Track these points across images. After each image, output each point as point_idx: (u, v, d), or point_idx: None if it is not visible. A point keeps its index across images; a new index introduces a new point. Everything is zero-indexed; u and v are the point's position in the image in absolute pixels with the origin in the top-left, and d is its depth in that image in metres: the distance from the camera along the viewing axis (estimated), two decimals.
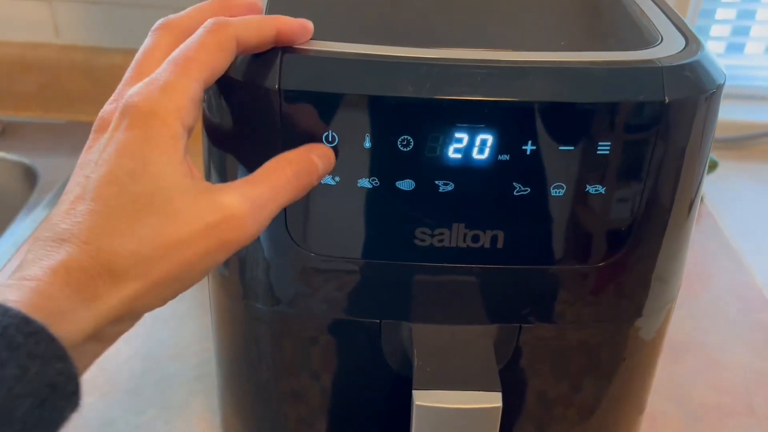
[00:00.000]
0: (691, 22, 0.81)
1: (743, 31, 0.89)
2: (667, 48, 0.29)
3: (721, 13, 0.86)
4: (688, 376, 0.52)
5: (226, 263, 0.33)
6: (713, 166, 0.72)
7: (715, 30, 0.88)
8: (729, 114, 0.82)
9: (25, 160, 0.73)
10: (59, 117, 0.81)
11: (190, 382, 0.49)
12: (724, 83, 0.29)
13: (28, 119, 0.80)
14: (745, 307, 0.59)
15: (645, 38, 0.30)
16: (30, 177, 0.72)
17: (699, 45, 0.30)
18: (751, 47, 0.89)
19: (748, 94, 0.87)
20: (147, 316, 0.57)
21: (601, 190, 0.29)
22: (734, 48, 0.89)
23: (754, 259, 0.64)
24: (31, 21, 0.79)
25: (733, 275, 0.62)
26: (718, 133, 0.84)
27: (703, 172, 0.31)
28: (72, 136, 0.78)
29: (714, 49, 0.88)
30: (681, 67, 0.28)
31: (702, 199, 0.71)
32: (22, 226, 0.64)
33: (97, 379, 0.49)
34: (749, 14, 0.86)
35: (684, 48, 0.29)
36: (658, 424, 0.48)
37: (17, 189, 0.72)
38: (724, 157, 0.77)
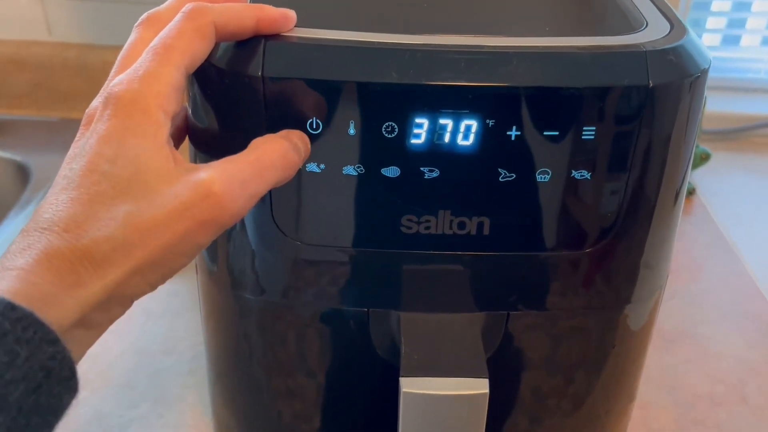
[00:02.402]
0: (684, 14, 0.81)
1: (739, 24, 0.89)
2: (652, 33, 0.29)
3: (716, 5, 0.86)
4: (681, 366, 0.52)
5: (214, 255, 0.33)
6: (706, 157, 0.72)
7: (711, 22, 0.88)
8: (722, 106, 0.82)
9: (17, 157, 0.73)
10: (52, 114, 0.81)
11: (184, 376, 0.49)
12: (708, 67, 0.29)
13: (21, 117, 0.80)
14: (737, 298, 0.59)
15: (630, 23, 0.30)
16: (23, 174, 0.72)
17: (684, 30, 0.30)
18: (747, 39, 0.89)
19: (743, 86, 0.87)
20: (140, 311, 0.57)
21: (587, 175, 0.29)
22: (730, 40, 0.89)
23: (746, 251, 0.64)
24: (23, 19, 0.79)
25: (726, 266, 0.62)
26: (712, 125, 0.85)
27: (690, 158, 0.31)
28: (65, 134, 0.78)
29: (709, 42, 0.88)
30: (665, 52, 0.28)
31: (695, 191, 0.71)
32: (15, 224, 0.64)
33: (89, 374, 0.49)
34: (745, 6, 0.86)
35: (668, 33, 0.29)
36: (650, 413, 0.48)
37: (10, 186, 0.72)
38: (717, 149, 0.78)
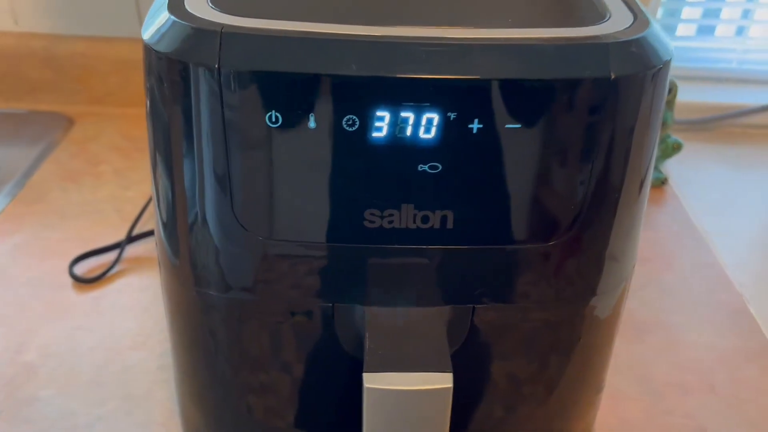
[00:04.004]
0: (657, 4, 0.81)
1: (714, 14, 0.89)
2: (615, 24, 0.29)
3: None
4: (651, 355, 0.52)
5: (176, 250, 0.33)
6: (678, 147, 0.72)
7: (686, 12, 0.89)
8: (695, 96, 0.83)
9: None
10: (19, 106, 0.79)
11: (153, 372, 0.49)
12: (671, 59, 0.29)
13: None
14: (708, 288, 0.59)
15: (593, 15, 0.30)
16: None
17: (647, 21, 0.30)
18: (721, 29, 0.90)
19: (716, 76, 0.88)
20: (109, 306, 0.56)
21: (550, 167, 0.29)
22: (705, 30, 0.90)
23: (717, 240, 0.65)
24: None
25: (697, 256, 0.63)
26: (684, 114, 0.86)
27: (654, 148, 0.31)
28: (33, 125, 0.77)
29: (684, 32, 0.88)
30: (627, 44, 0.28)
31: (667, 181, 0.71)
32: None
33: (56, 371, 0.48)
34: None
35: (631, 24, 0.29)
36: (620, 403, 0.48)
37: None
38: (689, 139, 0.78)
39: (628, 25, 0.29)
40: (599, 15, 0.30)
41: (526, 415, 0.37)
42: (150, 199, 0.62)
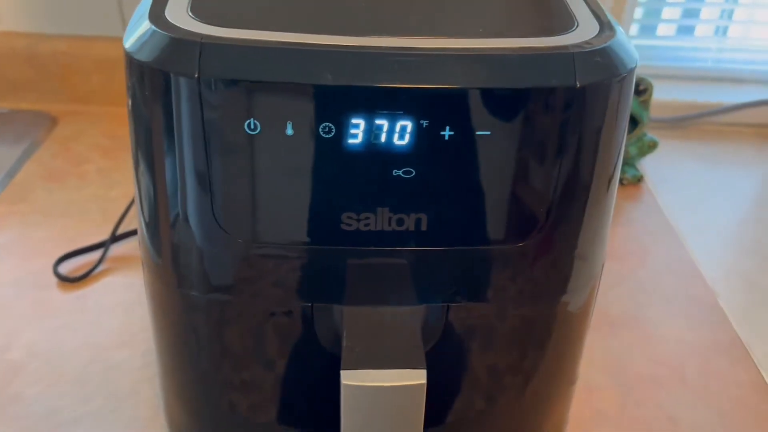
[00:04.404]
0: (632, 6, 0.83)
1: (693, 13, 0.91)
2: (581, 34, 0.30)
3: None
4: (624, 349, 0.54)
5: (159, 251, 0.34)
6: (653, 145, 0.74)
7: (666, 12, 0.90)
8: (671, 94, 0.84)
9: None
10: (1, 106, 0.79)
11: (138, 370, 0.50)
12: (635, 67, 0.30)
13: None
14: (681, 283, 0.61)
15: (561, 24, 0.31)
16: None
17: (613, 31, 0.31)
18: (701, 29, 0.91)
19: (691, 75, 0.90)
20: (93, 305, 0.57)
21: (520, 172, 0.30)
22: (685, 30, 0.91)
23: (691, 236, 0.67)
24: None
25: (670, 252, 0.64)
26: (660, 113, 0.87)
27: (620, 153, 0.33)
28: (15, 125, 0.77)
29: (664, 32, 0.90)
30: (592, 53, 0.29)
31: (642, 178, 0.73)
32: None
33: (41, 370, 0.49)
34: None
35: (597, 34, 0.30)
36: (595, 395, 0.49)
37: None
38: (664, 137, 0.80)
39: (594, 35, 0.30)
40: (567, 25, 0.31)
41: (502, 408, 0.39)
42: (133, 200, 0.63)
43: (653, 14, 0.90)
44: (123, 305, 0.55)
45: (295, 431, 0.38)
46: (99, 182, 0.69)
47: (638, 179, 0.73)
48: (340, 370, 0.31)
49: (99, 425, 0.46)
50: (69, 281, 0.56)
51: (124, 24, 0.78)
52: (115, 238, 0.60)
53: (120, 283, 0.57)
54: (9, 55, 0.77)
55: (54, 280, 0.57)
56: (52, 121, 0.78)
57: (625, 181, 0.73)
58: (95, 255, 0.59)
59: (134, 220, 0.63)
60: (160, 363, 0.40)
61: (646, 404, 0.49)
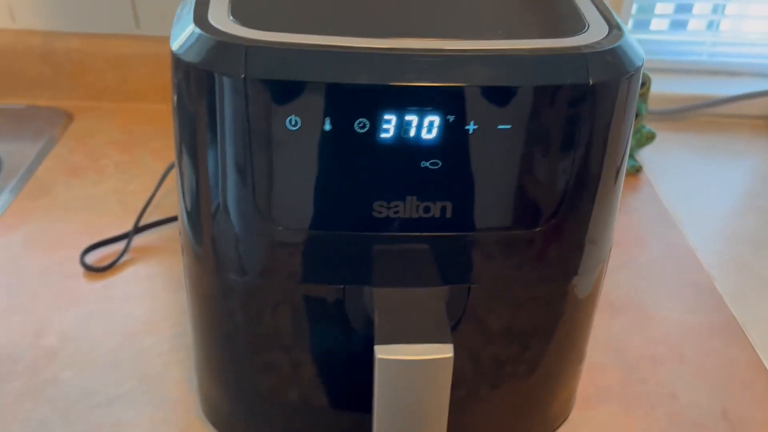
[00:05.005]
0: (631, 2, 0.85)
1: (686, 9, 0.94)
2: (592, 36, 0.33)
3: None
4: (626, 331, 0.57)
5: (199, 238, 0.36)
6: (651, 137, 0.76)
7: (659, 8, 0.93)
8: (668, 87, 0.87)
9: None
10: (18, 102, 0.81)
11: (166, 354, 0.52)
12: (642, 65, 0.33)
13: None
14: (679, 268, 0.64)
15: (574, 27, 0.34)
16: None
17: (621, 32, 0.34)
18: (694, 24, 0.94)
19: (687, 68, 0.93)
20: (120, 294, 0.60)
21: (537, 162, 0.33)
22: (677, 24, 0.94)
23: (687, 224, 0.70)
24: None
25: (668, 239, 0.67)
26: (657, 105, 0.90)
27: (627, 145, 0.35)
28: (32, 121, 0.79)
29: (657, 26, 0.93)
30: (603, 53, 0.32)
31: (641, 169, 0.76)
32: None
33: (74, 355, 0.52)
34: None
35: (607, 35, 0.33)
36: (598, 373, 0.52)
37: None
38: (662, 129, 0.83)
39: (604, 36, 0.33)
40: (578, 27, 0.34)
41: (518, 383, 0.41)
42: (154, 192, 0.65)
43: (646, 10, 0.93)
44: (148, 293, 0.57)
45: (325, 409, 0.41)
46: (117, 176, 0.71)
47: (637, 169, 0.76)
48: (369, 349, 0.34)
49: (132, 405, 0.48)
50: (95, 271, 0.59)
51: (137, 22, 0.80)
52: (138, 230, 0.62)
53: (144, 272, 0.60)
54: (25, 53, 0.79)
55: (80, 270, 0.59)
56: (68, 118, 0.80)
57: None
58: (118, 246, 0.62)
59: (155, 213, 0.65)
60: (196, 345, 0.42)
61: (648, 381, 0.52)
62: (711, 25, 0.94)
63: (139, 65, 0.80)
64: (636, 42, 0.34)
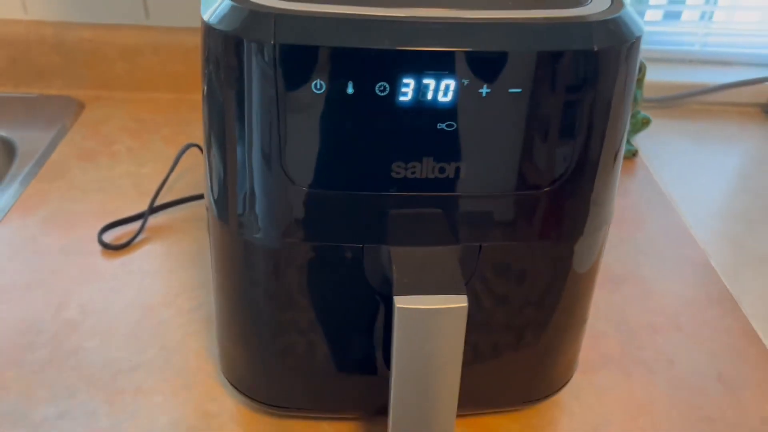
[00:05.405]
0: None
1: (679, 0, 0.97)
2: (596, 6, 0.35)
3: None
4: (625, 302, 0.59)
5: (224, 201, 0.38)
6: (646, 122, 0.79)
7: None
8: (662, 75, 0.90)
9: (2, 133, 0.75)
10: (30, 91, 0.83)
11: (184, 325, 0.54)
12: (642, 35, 0.36)
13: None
14: (675, 244, 0.66)
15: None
16: (8, 149, 0.74)
17: (621, 4, 0.36)
18: (687, 14, 0.97)
19: (680, 58, 0.95)
20: (137, 270, 0.62)
21: (546, 124, 0.35)
22: (672, 15, 0.97)
23: (682, 204, 0.72)
24: None
25: (665, 218, 0.70)
26: (652, 93, 0.93)
27: (628, 110, 0.38)
28: (45, 109, 0.81)
29: (651, 17, 0.96)
30: (606, 22, 0.34)
31: (637, 153, 0.78)
32: (6, 197, 0.67)
33: (97, 327, 0.54)
34: None
35: (609, 6, 0.35)
36: (600, 341, 0.55)
37: None
38: (657, 115, 0.85)
39: (606, 7, 0.35)
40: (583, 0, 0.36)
41: (525, 341, 0.44)
42: (169, 173, 0.67)
43: (641, 1, 0.96)
44: (164, 269, 0.59)
45: (344, 366, 0.43)
46: (130, 161, 0.73)
47: (633, 153, 0.78)
48: (390, 305, 0.36)
49: (154, 372, 0.50)
50: (113, 249, 0.61)
51: (147, 13, 0.82)
52: (153, 210, 0.64)
53: (159, 250, 0.62)
54: (37, 43, 0.81)
55: (97, 248, 0.61)
56: (79, 106, 0.82)
57: None
58: (134, 226, 0.64)
59: (167, 195, 0.68)
60: (219, 306, 0.44)
61: (646, 348, 0.55)
62: (704, 16, 0.97)
63: (148, 55, 0.82)
64: (636, 14, 0.36)
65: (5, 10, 0.81)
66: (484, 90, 0.33)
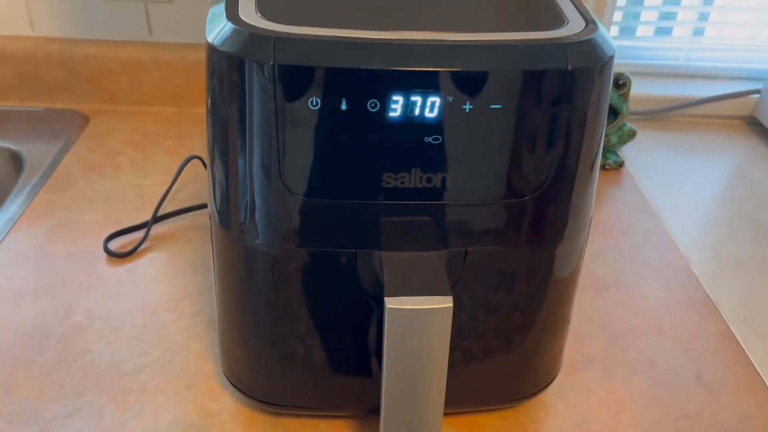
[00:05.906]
0: (612, 10, 0.91)
1: (670, 16, 1.00)
2: (571, 29, 0.38)
3: (649, 1, 0.97)
4: (609, 306, 0.62)
5: (227, 208, 0.41)
6: (632, 134, 0.82)
7: (645, 15, 0.99)
8: (648, 89, 0.93)
9: (10, 146, 0.78)
10: (37, 105, 0.86)
11: (188, 329, 0.57)
12: (614, 55, 0.38)
13: (7, 107, 0.85)
14: (658, 252, 0.69)
15: (554, 22, 0.39)
16: (16, 161, 0.77)
17: (595, 26, 0.39)
18: (677, 30, 1.00)
19: (667, 72, 0.99)
20: (142, 276, 0.64)
21: (525, 138, 0.38)
22: (662, 31, 1.00)
23: (666, 213, 0.75)
24: (6, 15, 0.84)
25: (649, 226, 0.73)
26: (638, 106, 0.96)
27: (603, 125, 0.40)
28: (51, 123, 0.83)
29: (642, 33, 0.99)
30: (581, 43, 0.37)
31: (624, 163, 0.81)
32: (14, 207, 0.70)
33: (103, 330, 0.56)
34: (675, 0, 0.98)
35: (584, 29, 0.38)
36: (585, 343, 0.57)
37: (5, 173, 0.78)
38: (643, 128, 0.88)
39: (581, 29, 0.38)
40: (559, 22, 0.39)
41: (510, 341, 0.46)
42: (172, 184, 0.70)
43: (632, 17, 0.99)
44: (167, 276, 0.62)
45: (338, 366, 0.45)
46: (134, 172, 0.76)
47: (620, 164, 0.81)
48: (382, 306, 0.38)
49: (158, 373, 0.53)
50: (118, 256, 0.63)
51: (150, 30, 0.85)
52: (156, 219, 0.67)
53: (163, 257, 0.64)
54: (44, 59, 0.84)
55: (103, 256, 0.64)
56: (84, 120, 0.84)
57: (608, 166, 0.81)
58: (138, 234, 0.66)
59: (170, 205, 0.70)
60: (221, 310, 0.47)
61: (629, 350, 0.57)
62: (695, 32, 1.00)
63: (151, 70, 0.85)
64: (609, 36, 0.39)
65: (13, 27, 0.84)
66: (468, 106, 0.36)
